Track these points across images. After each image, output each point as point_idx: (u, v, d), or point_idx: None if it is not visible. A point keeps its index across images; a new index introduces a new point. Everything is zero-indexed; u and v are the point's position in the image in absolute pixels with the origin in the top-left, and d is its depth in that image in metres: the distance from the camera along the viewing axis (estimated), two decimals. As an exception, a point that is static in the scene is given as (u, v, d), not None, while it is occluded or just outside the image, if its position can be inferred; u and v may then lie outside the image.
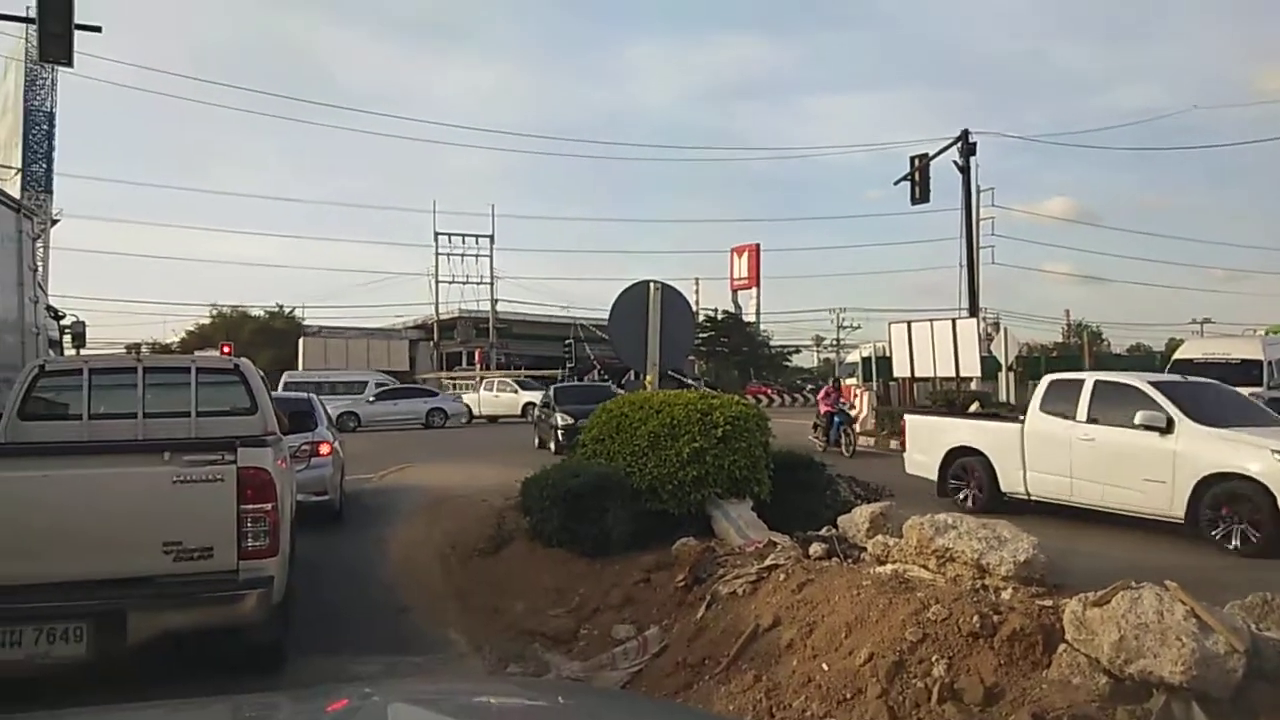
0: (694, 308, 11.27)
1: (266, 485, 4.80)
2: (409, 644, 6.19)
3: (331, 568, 8.23)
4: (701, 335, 49.04)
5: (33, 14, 15.11)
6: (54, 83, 36.20)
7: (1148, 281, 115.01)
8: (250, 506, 4.73)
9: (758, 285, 61.18)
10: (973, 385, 22.18)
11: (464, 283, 54.14)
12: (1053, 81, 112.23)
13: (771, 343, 62.11)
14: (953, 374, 21.48)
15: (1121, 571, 4.37)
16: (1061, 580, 4.84)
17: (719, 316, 58.28)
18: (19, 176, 34.03)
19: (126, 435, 6.48)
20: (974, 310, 26.49)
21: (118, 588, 4.60)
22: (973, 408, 20.24)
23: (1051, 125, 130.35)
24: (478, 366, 50.71)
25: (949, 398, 21.24)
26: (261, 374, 7.51)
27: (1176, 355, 18.52)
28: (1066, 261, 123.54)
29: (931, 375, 22.36)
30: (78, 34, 14.74)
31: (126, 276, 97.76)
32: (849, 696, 3.91)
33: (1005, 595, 4.49)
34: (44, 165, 36.59)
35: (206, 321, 55.18)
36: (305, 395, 13.19)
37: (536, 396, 30.45)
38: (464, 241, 54.18)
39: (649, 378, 9.36)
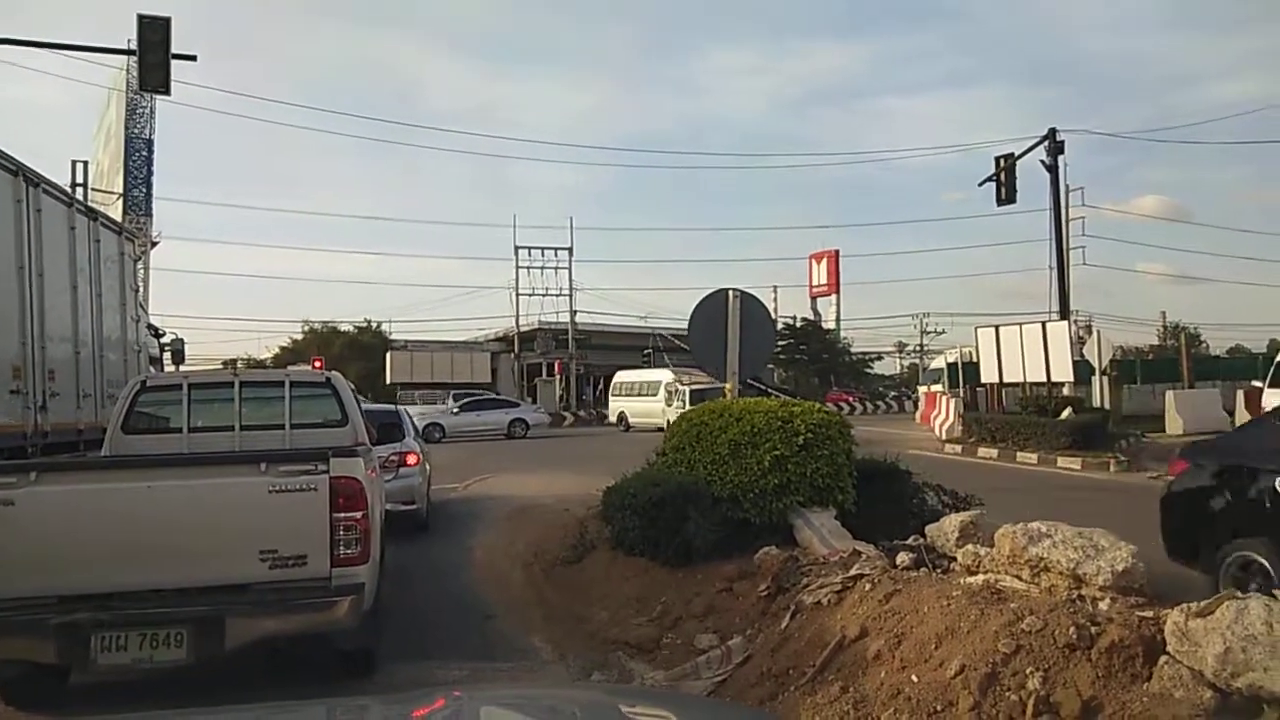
0: (773, 316, 11.11)
1: (358, 494, 4.92)
2: (494, 651, 6.27)
3: (419, 575, 8.39)
4: (780, 343, 48.63)
5: (134, 46, 15.89)
6: (152, 111, 38.01)
7: (1248, 281, 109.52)
8: (342, 515, 4.84)
9: (837, 291, 60.52)
10: (1065, 390, 21.51)
11: (544, 295, 54.61)
12: (1144, 76, 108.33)
13: (852, 349, 61.29)
14: (1043, 379, 20.89)
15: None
16: (1162, 590, 4.65)
17: (798, 324, 57.76)
18: (120, 201, 35.71)
19: (224, 447, 6.73)
20: (1065, 313, 25.69)
21: (216, 594, 4.76)
22: (1065, 414, 19.69)
23: (1143, 121, 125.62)
24: (557, 377, 51.19)
25: (1040, 403, 20.64)
26: (352, 387, 7.72)
27: None
28: (1162, 261, 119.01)
29: (1021, 380, 21.78)
30: (175, 63, 15.46)
31: (222, 295, 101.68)
32: (940, 709, 3.81)
33: (1103, 606, 4.33)
34: (144, 190, 38.38)
35: (299, 337, 56.83)
36: (393, 408, 13.50)
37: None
38: (543, 254, 54.72)
39: (729, 386, 9.32)
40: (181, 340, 19.02)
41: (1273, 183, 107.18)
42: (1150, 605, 4.28)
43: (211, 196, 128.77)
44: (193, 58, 16.10)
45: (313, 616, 4.85)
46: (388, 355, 49.53)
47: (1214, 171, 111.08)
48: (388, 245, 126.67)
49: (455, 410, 31.93)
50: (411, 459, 10.84)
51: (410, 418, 12.80)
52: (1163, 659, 3.65)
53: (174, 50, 15.40)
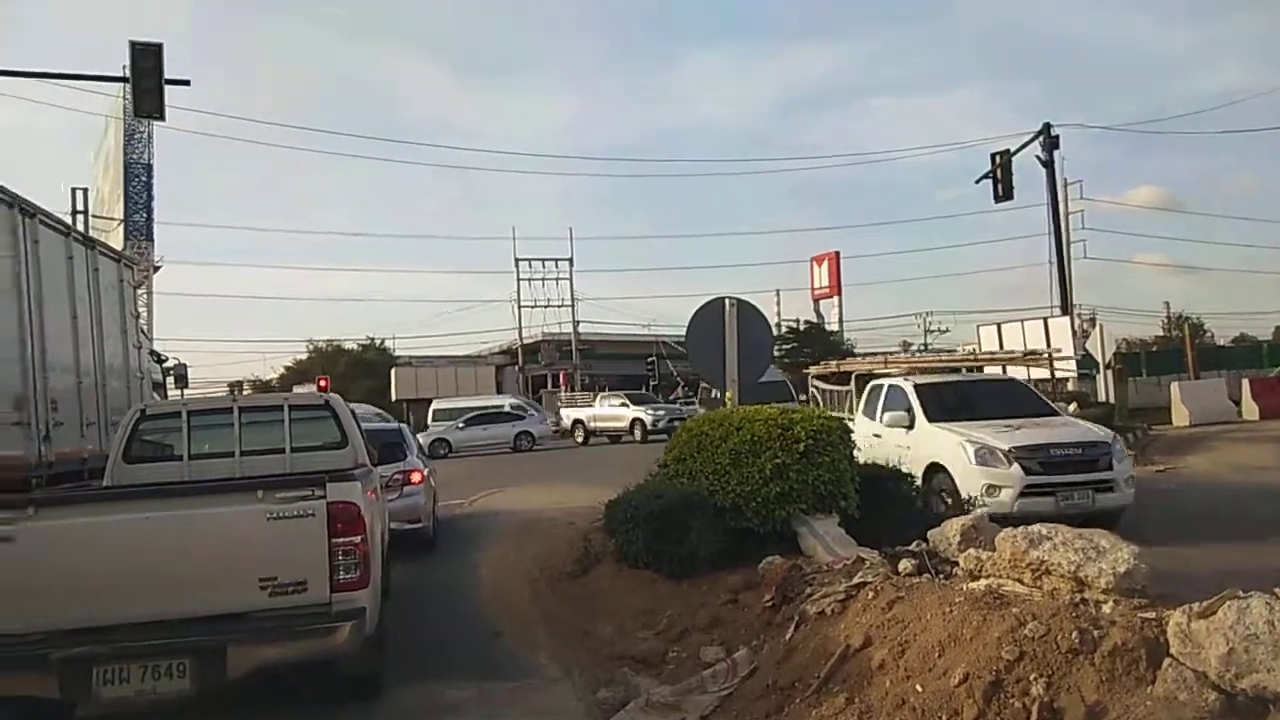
0: (775, 319, 11.14)
1: (356, 518, 4.92)
2: (500, 668, 6.25)
3: (426, 593, 8.39)
4: (784, 346, 48.56)
5: (128, 74, 15.95)
6: (150, 136, 38.20)
7: (1251, 268, 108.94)
8: (341, 540, 4.84)
9: (839, 293, 60.38)
10: (1069, 385, 21.43)
11: (545, 306, 54.73)
12: (1134, 67, 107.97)
13: (856, 350, 61.09)
14: (1047, 375, 20.80)
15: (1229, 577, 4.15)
16: (1165, 590, 4.62)
17: (800, 327, 57.66)
18: (121, 227, 35.88)
19: (225, 473, 6.73)
20: (1066, 307, 25.65)
21: (217, 624, 4.75)
22: (1071, 409, 19.58)
23: (1137, 113, 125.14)
24: (563, 388, 51.14)
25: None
26: (351, 408, 7.72)
27: None
28: (1164, 252, 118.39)
29: (1025, 378, 21.67)
30: (169, 89, 15.51)
31: (226, 317, 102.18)
32: (945, 718, 3.80)
33: (1105, 608, 4.31)
34: (144, 215, 38.59)
35: (304, 357, 56.86)
36: (395, 426, 13.49)
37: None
38: (544, 266, 54.82)
39: (729, 394, 9.31)
40: (184, 365, 19.13)
41: (1273, 169, 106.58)
42: (1153, 606, 4.25)
43: (213, 219, 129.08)
44: (186, 82, 16.14)
45: (314, 643, 4.84)
46: (392, 371, 49.58)
47: (1214, 160, 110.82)
48: (390, 262, 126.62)
49: (461, 425, 31.89)
50: (415, 477, 10.81)
51: (413, 435, 12.78)
52: (1166, 661, 3.63)
53: (167, 75, 15.47)
